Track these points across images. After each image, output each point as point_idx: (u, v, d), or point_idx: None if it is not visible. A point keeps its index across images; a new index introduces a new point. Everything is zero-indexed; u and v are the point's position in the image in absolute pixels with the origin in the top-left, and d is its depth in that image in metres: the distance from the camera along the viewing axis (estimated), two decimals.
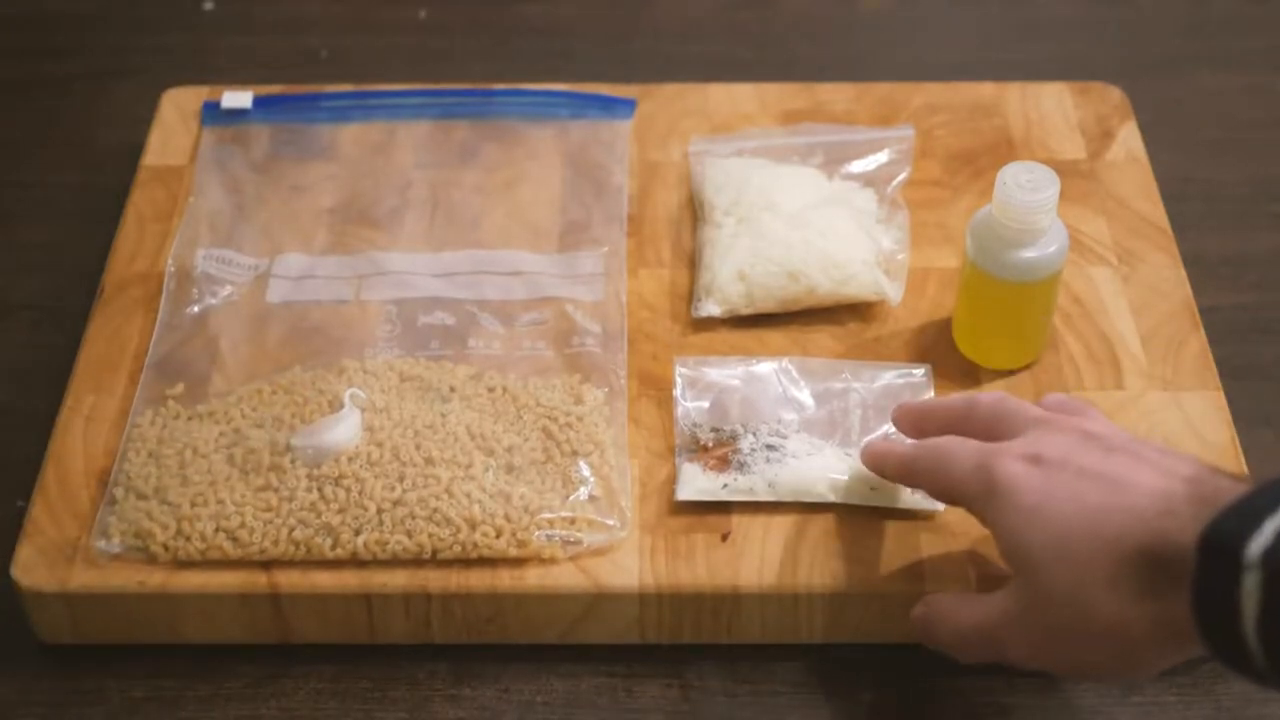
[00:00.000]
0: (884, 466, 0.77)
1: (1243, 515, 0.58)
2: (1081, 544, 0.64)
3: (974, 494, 0.70)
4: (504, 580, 0.78)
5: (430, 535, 0.78)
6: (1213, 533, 0.58)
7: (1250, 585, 0.56)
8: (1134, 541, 0.63)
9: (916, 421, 0.78)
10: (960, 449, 0.71)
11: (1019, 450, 0.69)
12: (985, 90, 1.03)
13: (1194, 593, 0.59)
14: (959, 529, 0.79)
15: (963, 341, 0.87)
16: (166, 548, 0.78)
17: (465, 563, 0.78)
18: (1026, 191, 0.81)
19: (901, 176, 0.96)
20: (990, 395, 0.75)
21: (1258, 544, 0.56)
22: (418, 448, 0.81)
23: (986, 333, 0.86)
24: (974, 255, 0.83)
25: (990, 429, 0.73)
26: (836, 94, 1.03)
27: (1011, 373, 0.86)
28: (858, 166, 0.96)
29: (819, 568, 0.78)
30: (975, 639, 0.71)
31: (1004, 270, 0.82)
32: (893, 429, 0.83)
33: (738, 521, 0.80)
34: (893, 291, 0.89)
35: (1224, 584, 0.57)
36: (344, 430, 0.80)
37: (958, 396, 0.77)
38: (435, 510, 0.78)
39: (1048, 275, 0.83)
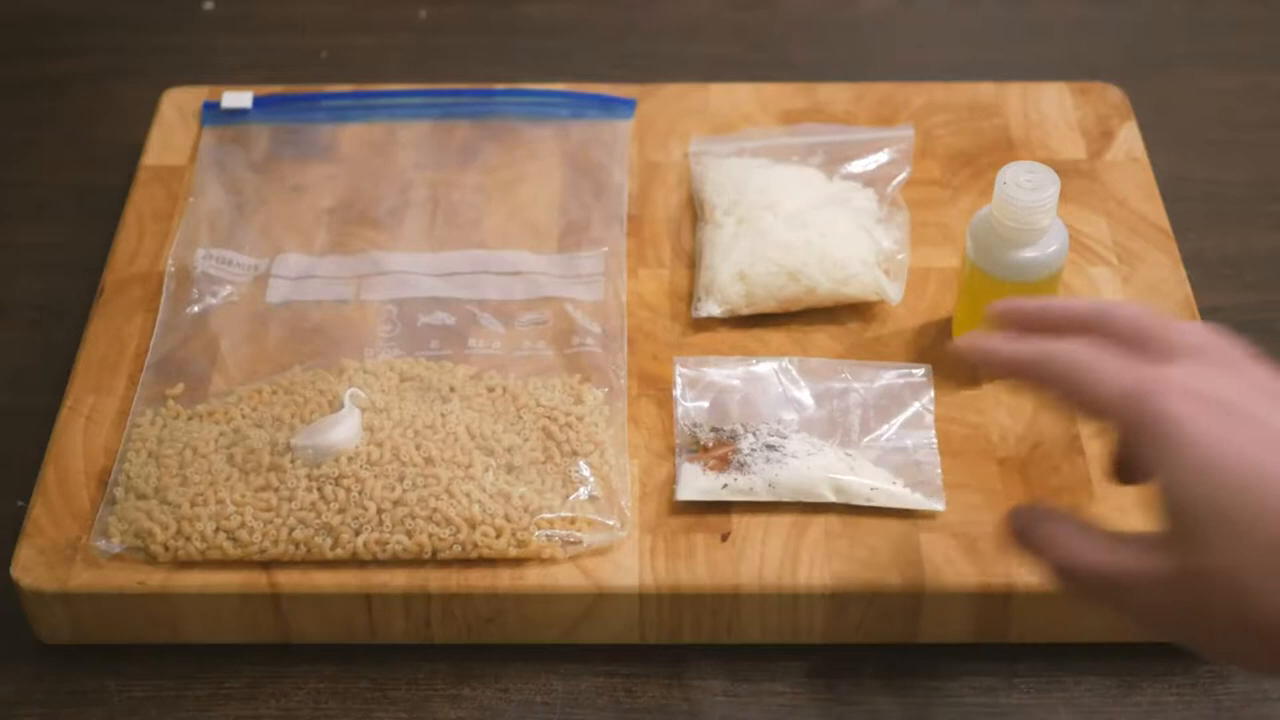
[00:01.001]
0: (992, 359, 0.65)
1: None
2: (1263, 520, 0.55)
3: (1124, 421, 0.59)
4: (504, 580, 0.78)
5: (430, 535, 0.78)
6: None
7: None
8: None
9: (1030, 319, 0.66)
10: (1106, 365, 0.61)
11: (1184, 383, 0.58)
12: (985, 90, 1.03)
13: None
14: (959, 529, 0.79)
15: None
16: (166, 548, 0.78)
17: (465, 563, 0.78)
18: (1026, 191, 0.81)
19: (901, 176, 0.96)
20: (1130, 305, 0.64)
21: None
22: (418, 448, 0.81)
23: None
24: (974, 255, 0.83)
25: (1130, 345, 0.62)
26: (836, 94, 1.03)
27: None
28: (858, 166, 0.96)
29: (819, 568, 0.78)
30: (1096, 581, 0.61)
31: (1004, 270, 0.82)
32: (891, 429, 0.83)
33: (738, 521, 0.80)
34: (893, 291, 0.89)
35: None
36: (344, 430, 0.80)
37: (1081, 300, 0.65)
38: (435, 510, 0.78)
39: (1048, 275, 0.83)
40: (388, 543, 0.78)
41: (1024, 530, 0.64)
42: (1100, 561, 0.60)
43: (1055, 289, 0.85)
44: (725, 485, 0.80)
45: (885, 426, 0.84)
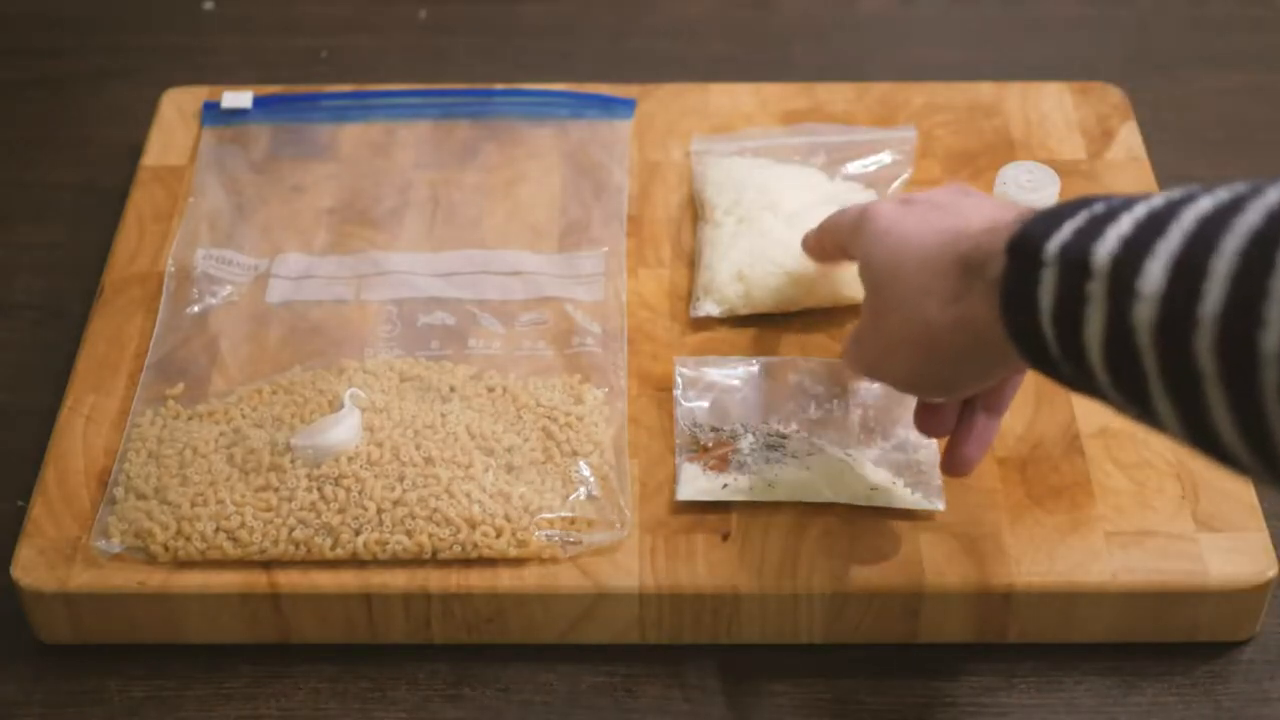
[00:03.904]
0: (807, 243, 0.86)
1: (1048, 220, 0.62)
2: (912, 257, 0.70)
3: (847, 230, 0.77)
4: (504, 580, 0.78)
5: (430, 535, 0.78)
6: (1019, 235, 0.62)
7: (1047, 279, 0.60)
8: (954, 253, 0.68)
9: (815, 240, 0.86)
10: (848, 211, 0.80)
11: (890, 200, 0.76)
12: (985, 90, 1.03)
13: (1001, 292, 0.63)
14: (959, 529, 0.79)
15: None
16: (166, 548, 0.78)
17: (465, 563, 0.78)
18: (1026, 191, 0.81)
19: (903, 177, 0.96)
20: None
21: (1056, 242, 0.60)
22: (418, 448, 0.81)
23: None
24: None
25: None
26: (836, 94, 1.03)
27: None
28: (859, 167, 0.96)
29: (819, 568, 0.78)
30: (849, 359, 0.78)
31: None
32: (891, 429, 0.83)
33: (738, 521, 0.80)
34: None
35: (1025, 280, 0.61)
36: (344, 430, 0.80)
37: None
38: (435, 510, 0.78)
39: None
40: (388, 543, 0.78)
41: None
42: (850, 337, 0.78)
43: None
44: (725, 485, 0.80)
45: (885, 426, 0.84)
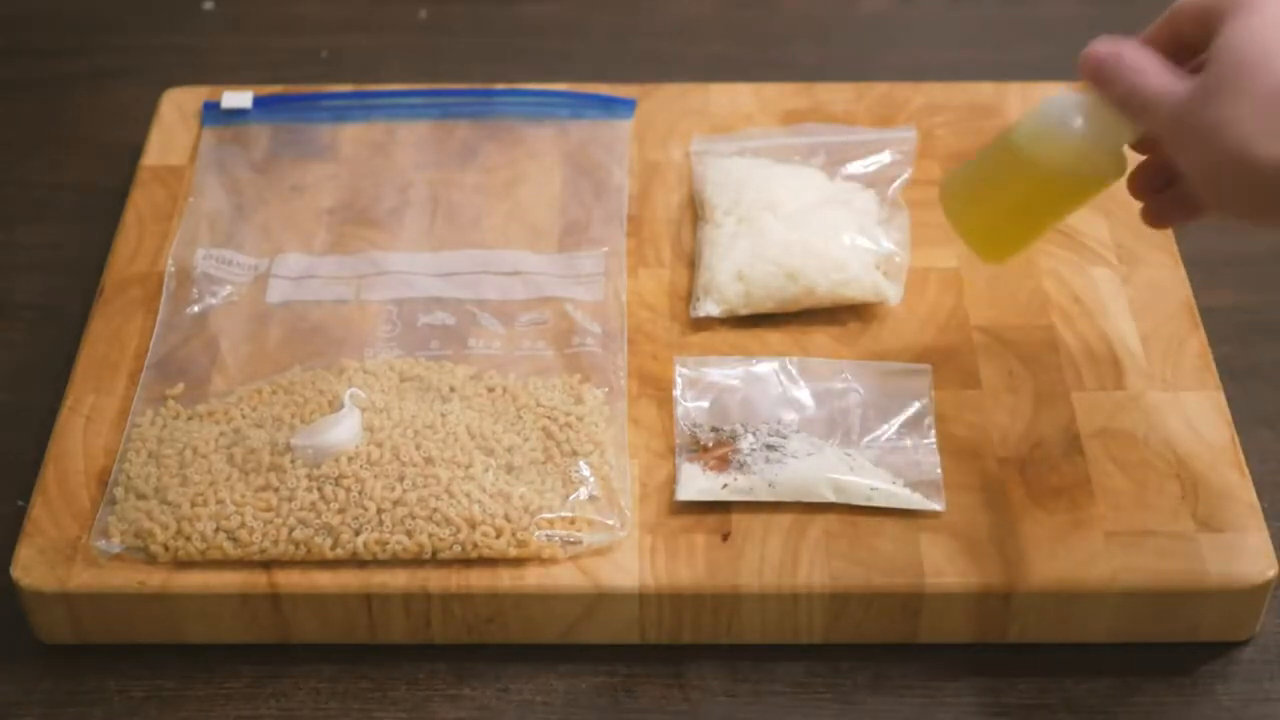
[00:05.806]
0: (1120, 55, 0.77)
1: None
2: (1262, 79, 0.66)
3: (1225, 5, 0.70)
4: (504, 580, 0.78)
5: (430, 535, 0.78)
6: None
7: None
8: None
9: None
10: None
11: None
12: (985, 90, 1.03)
13: None
14: (959, 529, 0.79)
15: (950, 201, 0.80)
16: (166, 548, 0.78)
17: (465, 563, 0.78)
18: None
19: (903, 178, 0.96)
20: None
21: None
22: (418, 448, 0.81)
23: (984, 201, 0.78)
24: (1028, 130, 0.76)
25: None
26: (836, 94, 1.03)
27: (1003, 348, 0.86)
28: (859, 167, 0.96)
29: (819, 568, 0.78)
30: (1147, 101, 0.73)
31: (1063, 146, 0.75)
32: (891, 429, 0.83)
33: (738, 521, 0.80)
34: (892, 292, 0.89)
35: None
36: (344, 430, 0.80)
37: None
38: (435, 510, 0.78)
39: (1097, 175, 0.76)
40: (388, 543, 0.78)
41: (1108, 60, 0.77)
42: (1162, 83, 0.73)
43: (1083, 197, 0.77)
44: (725, 485, 0.80)
45: (885, 426, 0.84)
